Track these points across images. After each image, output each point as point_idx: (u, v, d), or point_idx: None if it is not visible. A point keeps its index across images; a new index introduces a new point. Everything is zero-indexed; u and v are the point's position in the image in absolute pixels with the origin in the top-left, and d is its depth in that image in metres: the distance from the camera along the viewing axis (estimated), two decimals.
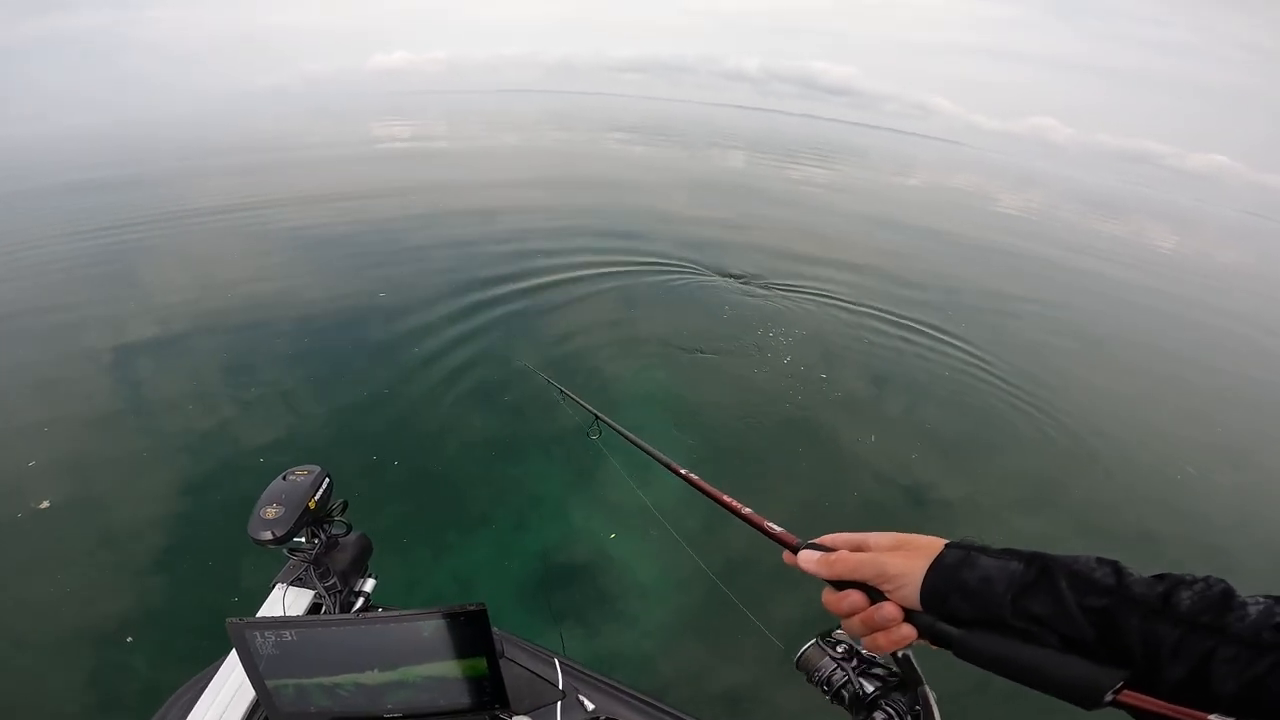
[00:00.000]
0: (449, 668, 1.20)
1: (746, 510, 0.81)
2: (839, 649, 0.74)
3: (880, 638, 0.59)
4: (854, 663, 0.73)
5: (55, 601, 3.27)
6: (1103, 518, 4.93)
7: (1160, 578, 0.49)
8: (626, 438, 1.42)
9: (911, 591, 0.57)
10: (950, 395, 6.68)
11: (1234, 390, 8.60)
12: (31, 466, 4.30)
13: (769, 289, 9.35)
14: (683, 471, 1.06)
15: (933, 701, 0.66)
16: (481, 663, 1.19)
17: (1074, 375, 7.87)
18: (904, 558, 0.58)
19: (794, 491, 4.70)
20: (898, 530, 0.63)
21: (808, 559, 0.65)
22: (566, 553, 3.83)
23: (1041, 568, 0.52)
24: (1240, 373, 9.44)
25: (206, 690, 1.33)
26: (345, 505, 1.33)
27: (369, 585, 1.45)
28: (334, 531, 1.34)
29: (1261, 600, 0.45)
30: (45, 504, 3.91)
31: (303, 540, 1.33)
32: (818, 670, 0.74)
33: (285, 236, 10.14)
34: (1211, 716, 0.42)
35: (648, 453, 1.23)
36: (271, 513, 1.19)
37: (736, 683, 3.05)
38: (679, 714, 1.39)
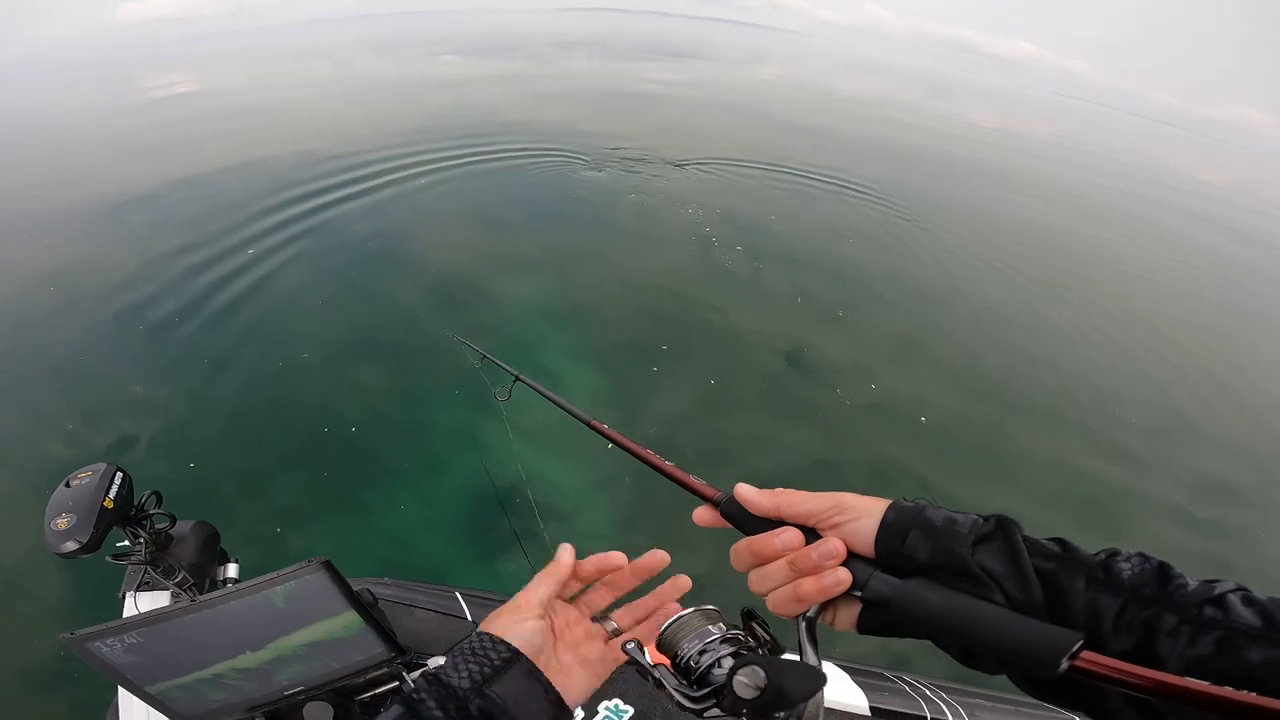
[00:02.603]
0: (319, 630, 1.13)
1: (669, 465, 0.74)
2: (716, 628, 0.59)
3: (808, 583, 0.52)
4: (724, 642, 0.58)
5: None
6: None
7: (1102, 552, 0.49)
8: (545, 395, 1.26)
9: (866, 526, 0.52)
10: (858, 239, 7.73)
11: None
12: None
13: (680, 167, 9.75)
14: (605, 428, 0.93)
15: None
16: (352, 616, 1.14)
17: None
18: (857, 499, 0.54)
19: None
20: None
21: (745, 490, 0.59)
22: (492, 483, 3.74)
23: (999, 522, 0.50)
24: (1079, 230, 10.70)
25: None
26: (159, 497, 1.20)
27: (232, 570, 1.35)
28: (159, 526, 1.20)
29: (1193, 581, 0.45)
30: None
31: (128, 544, 1.19)
32: (679, 652, 0.58)
33: (72, 215, 7.79)
34: (1189, 680, 0.38)
35: (565, 409, 1.11)
36: (63, 523, 1.06)
37: (698, 570, 3.21)
38: None
